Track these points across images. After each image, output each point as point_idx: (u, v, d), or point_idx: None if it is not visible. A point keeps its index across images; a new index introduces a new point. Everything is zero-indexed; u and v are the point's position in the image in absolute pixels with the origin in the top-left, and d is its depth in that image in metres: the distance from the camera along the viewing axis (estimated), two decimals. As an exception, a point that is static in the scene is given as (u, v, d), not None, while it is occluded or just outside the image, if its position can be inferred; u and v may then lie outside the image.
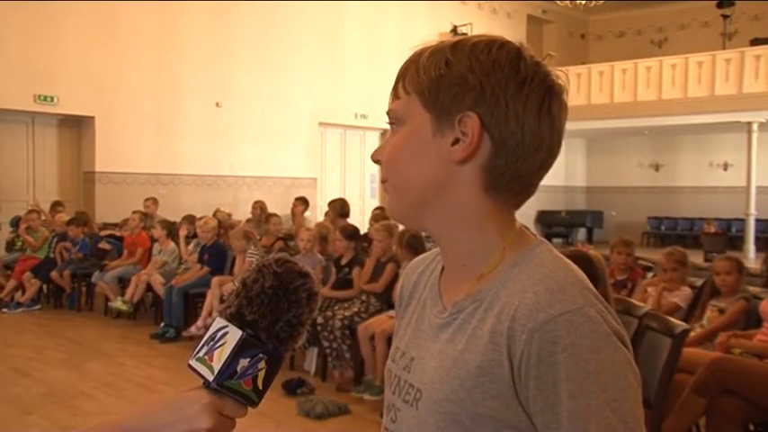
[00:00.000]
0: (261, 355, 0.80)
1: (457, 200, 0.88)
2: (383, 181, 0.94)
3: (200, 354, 0.81)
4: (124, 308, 7.22)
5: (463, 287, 0.90)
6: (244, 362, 0.79)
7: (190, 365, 0.81)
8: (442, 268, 0.98)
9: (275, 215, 8.15)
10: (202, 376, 0.80)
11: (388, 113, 0.93)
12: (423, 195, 0.89)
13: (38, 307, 7.92)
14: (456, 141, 0.86)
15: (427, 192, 0.89)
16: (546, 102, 0.86)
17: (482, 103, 0.84)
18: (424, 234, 5.06)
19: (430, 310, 0.95)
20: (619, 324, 0.82)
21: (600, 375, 0.77)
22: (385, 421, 0.97)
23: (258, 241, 6.96)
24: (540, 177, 0.89)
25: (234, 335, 0.79)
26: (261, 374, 0.80)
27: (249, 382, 0.79)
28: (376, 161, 0.94)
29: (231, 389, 0.79)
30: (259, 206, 9.32)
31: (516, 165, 0.86)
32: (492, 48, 0.86)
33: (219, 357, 0.79)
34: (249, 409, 0.81)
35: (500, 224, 0.89)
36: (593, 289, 0.84)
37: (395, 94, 0.92)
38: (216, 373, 0.79)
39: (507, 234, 0.89)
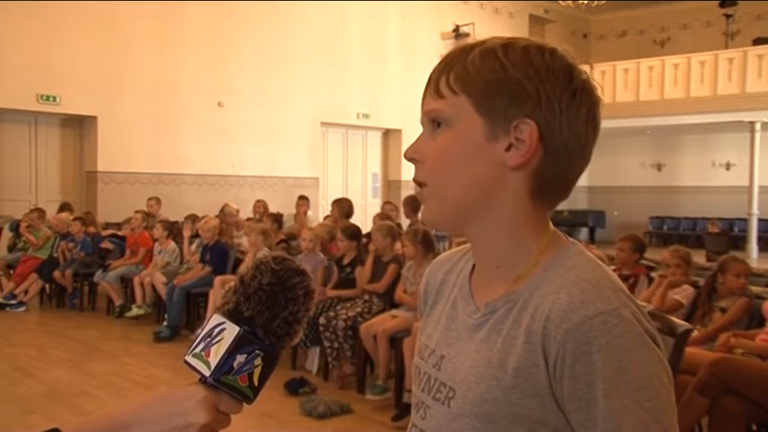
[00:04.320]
0: (257, 351, 0.80)
1: (502, 205, 0.88)
2: (420, 184, 0.91)
3: (197, 350, 0.81)
4: (141, 311, 7.24)
5: (497, 288, 0.90)
6: (240, 358, 0.79)
7: (186, 361, 0.82)
8: (472, 267, 0.97)
9: (276, 214, 8.08)
10: (199, 372, 0.80)
11: (428, 112, 0.90)
12: (468, 200, 0.88)
13: (23, 309, 7.82)
14: (509, 147, 0.86)
15: (474, 196, 0.88)
16: (592, 112, 0.87)
17: (539, 110, 0.84)
18: (434, 233, 5.07)
19: (462, 309, 0.95)
20: (651, 324, 0.83)
21: (634, 375, 0.78)
22: (414, 418, 0.97)
23: (275, 245, 6.85)
24: (576, 182, 0.90)
25: (231, 331, 0.80)
26: (257, 371, 0.80)
27: (245, 379, 0.80)
28: (410, 159, 0.92)
29: (227, 385, 0.79)
30: (261, 205, 9.33)
31: (564, 172, 0.87)
32: (544, 54, 0.86)
33: (216, 353, 0.79)
34: (244, 405, 0.82)
35: (537, 227, 0.90)
36: (626, 290, 0.85)
37: (437, 93, 0.89)
38: (212, 368, 0.79)
39: (542, 237, 0.90)
